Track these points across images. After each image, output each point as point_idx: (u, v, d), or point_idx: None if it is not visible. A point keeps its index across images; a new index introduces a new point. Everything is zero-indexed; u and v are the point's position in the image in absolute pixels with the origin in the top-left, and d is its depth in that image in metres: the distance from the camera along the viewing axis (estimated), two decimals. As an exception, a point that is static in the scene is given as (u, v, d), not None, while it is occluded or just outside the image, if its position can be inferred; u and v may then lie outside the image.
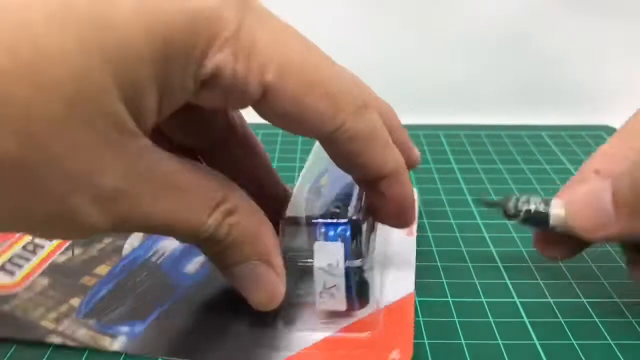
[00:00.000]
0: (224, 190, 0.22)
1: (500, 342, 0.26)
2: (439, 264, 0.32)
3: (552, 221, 0.27)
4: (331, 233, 0.25)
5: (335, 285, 0.25)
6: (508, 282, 0.30)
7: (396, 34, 0.52)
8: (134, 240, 0.33)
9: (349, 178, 0.26)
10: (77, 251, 0.32)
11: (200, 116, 0.25)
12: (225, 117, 0.26)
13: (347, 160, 0.24)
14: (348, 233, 0.25)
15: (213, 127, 0.26)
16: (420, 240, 0.34)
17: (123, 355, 0.25)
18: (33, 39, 0.17)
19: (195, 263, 0.31)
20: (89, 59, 0.17)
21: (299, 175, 0.30)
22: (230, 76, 0.20)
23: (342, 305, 0.26)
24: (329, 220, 0.25)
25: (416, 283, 0.30)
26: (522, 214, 0.27)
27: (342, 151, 0.23)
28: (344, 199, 0.27)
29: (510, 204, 0.28)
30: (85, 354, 0.25)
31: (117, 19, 0.18)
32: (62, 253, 0.32)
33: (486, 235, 0.34)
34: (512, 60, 0.52)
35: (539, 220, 0.27)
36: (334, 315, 0.26)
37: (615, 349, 0.26)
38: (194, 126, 0.26)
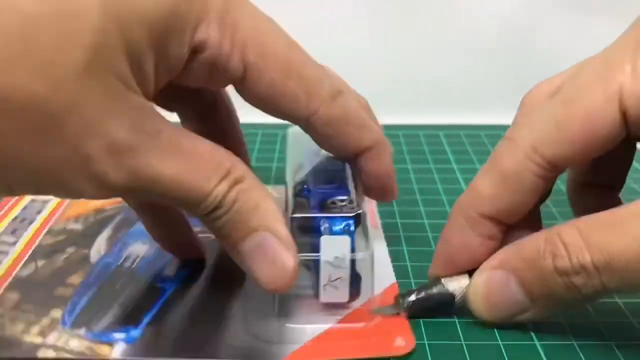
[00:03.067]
0: (231, 160, 0.23)
1: (500, 342, 0.26)
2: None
3: (458, 297, 0.27)
4: (337, 227, 0.26)
5: (339, 278, 0.26)
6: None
7: (395, 34, 0.52)
8: (100, 247, 0.33)
9: (330, 167, 0.27)
10: (40, 263, 0.31)
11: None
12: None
13: (325, 141, 0.26)
14: (352, 227, 0.26)
15: (203, 94, 0.28)
16: (421, 241, 0.34)
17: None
18: None
19: (172, 265, 0.31)
20: (105, 16, 0.19)
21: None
22: (217, 49, 0.22)
23: (345, 297, 0.26)
24: (335, 215, 0.26)
25: (413, 283, 0.30)
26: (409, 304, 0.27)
27: (320, 134, 0.26)
28: (336, 190, 0.27)
29: (402, 301, 0.27)
30: None
31: None
32: (24, 267, 0.31)
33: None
34: (513, 59, 0.52)
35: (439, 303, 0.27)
36: (330, 307, 0.27)
37: (616, 349, 0.26)
38: (184, 94, 0.28)
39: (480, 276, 0.26)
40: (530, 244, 0.25)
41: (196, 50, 0.22)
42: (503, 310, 0.26)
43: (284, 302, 0.27)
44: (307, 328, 0.26)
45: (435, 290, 0.27)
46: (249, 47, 0.23)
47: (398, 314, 0.27)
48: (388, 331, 0.26)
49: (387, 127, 0.49)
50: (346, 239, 0.25)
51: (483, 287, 0.26)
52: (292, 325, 0.26)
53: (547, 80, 0.28)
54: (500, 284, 0.26)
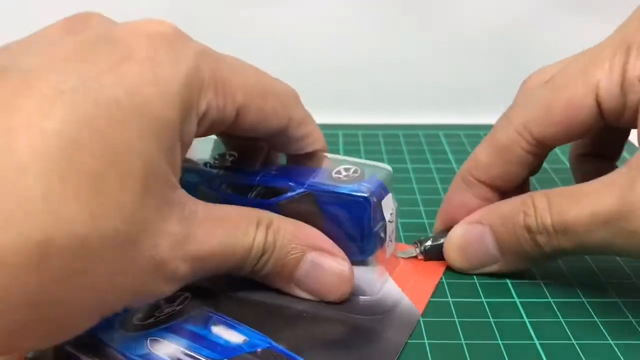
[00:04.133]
0: (256, 212, 0.26)
1: (500, 342, 0.26)
2: (444, 280, 0.31)
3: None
4: (379, 190, 0.28)
5: (392, 232, 0.29)
6: (508, 282, 0.30)
7: (396, 35, 0.52)
8: None
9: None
10: None
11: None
12: None
13: (298, 143, 0.29)
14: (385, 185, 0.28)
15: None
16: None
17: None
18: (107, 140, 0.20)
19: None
20: (147, 139, 0.21)
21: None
22: (215, 110, 0.25)
23: (395, 249, 0.30)
24: (376, 182, 0.28)
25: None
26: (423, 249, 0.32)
27: (295, 136, 0.29)
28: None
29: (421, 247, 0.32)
30: None
31: (154, 103, 0.22)
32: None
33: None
34: (513, 59, 0.52)
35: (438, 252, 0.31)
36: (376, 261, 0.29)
37: (616, 349, 0.26)
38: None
39: (459, 228, 0.30)
40: (507, 203, 0.29)
41: (200, 119, 0.24)
42: (475, 261, 0.30)
43: None
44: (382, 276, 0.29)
45: (442, 240, 0.31)
46: (237, 94, 0.25)
47: (416, 257, 0.32)
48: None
49: (388, 127, 0.49)
50: (391, 196, 0.28)
51: (460, 238, 0.30)
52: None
53: (544, 69, 0.31)
54: (476, 236, 0.29)
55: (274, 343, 0.25)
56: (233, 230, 0.25)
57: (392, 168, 0.29)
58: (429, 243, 0.31)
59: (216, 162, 0.30)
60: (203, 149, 0.31)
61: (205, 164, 0.30)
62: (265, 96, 0.26)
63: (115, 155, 0.20)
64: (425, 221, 0.36)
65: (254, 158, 0.31)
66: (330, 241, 0.27)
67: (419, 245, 0.32)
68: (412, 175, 0.42)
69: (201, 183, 0.28)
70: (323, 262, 0.27)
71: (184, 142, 0.24)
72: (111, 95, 0.21)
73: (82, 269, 0.19)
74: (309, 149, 0.30)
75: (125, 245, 0.21)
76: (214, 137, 0.30)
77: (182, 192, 0.24)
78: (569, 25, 0.51)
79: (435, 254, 0.31)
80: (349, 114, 0.51)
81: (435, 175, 0.42)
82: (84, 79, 0.20)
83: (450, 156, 0.45)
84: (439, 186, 0.40)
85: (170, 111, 0.22)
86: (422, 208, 0.37)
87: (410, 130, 0.49)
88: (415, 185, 0.40)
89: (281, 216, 0.27)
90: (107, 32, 0.23)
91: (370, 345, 0.25)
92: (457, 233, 0.30)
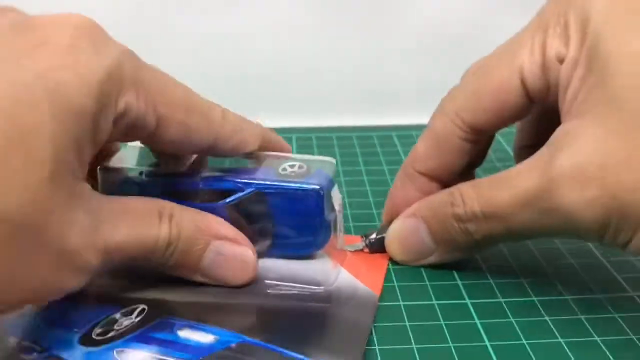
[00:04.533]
0: (157, 203, 0.27)
1: (451, 345, 0.26)
2: (390, 267, 0.31)
3: None
4: (327, 183, 0.28)
5: (341, 222, 0.30)
6: (460, 283, 0.30)
7: (348, 37, 0.52)
8: None
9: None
10: None
11: None
12: None
13: (230, 152, 0.29)
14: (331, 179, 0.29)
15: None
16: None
17: None
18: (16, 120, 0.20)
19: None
20: (57, 125, 0.21)
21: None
22: (135, 112, 0.24)
23: (344, 242, 0.31)
24: (323, 175, 0.28)
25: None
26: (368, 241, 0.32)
27: (225, 148, 0.28)
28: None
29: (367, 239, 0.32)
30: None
31: (70, 88, 0.21)
32: None
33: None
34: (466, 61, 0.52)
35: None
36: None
37: (566, 347, 0.26)
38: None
39: (396, 222, 0.31)
40: (437, 196, 0.30)
41: (117, 118, 0.24)
42: (413, 253, 0.31)
43: None
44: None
45: (384, 234, 0.32)
46: (158, 103, 0.25)
47: (362, 249, 0.32)
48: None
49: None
50: (336, 187, 0.29)
51: (398, 231, 0.31)
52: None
53: (479, 60, 0.31)
54: (411, 229, 0.30)
55: (246, 337, 0.25)
56: (139, 222, 0.25)
57: (346, 170, 0.30)
58: (373, 236, 0.32)
59: (151, 170, 0.30)
60: (131, 157, 0.30)
61: (140, 172, 0.29)
62: (189, 112, 0.26)
63: (22, 135, 0.20)
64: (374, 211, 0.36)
65: (182, 160, 0.30)
66: (234, 228, 0.28)
67: (364, 238, 0.32)
68: (365, 177, 0.41)
69: (139, 193, 0.27)
70: (226, 250, 0.28)
71: (97, 137, 0.23)
72: (20, 78, 0.21)
73: None
74: (244, 152, 0.30)
75: (30, 232, 0.20)
76: (140, 145, 0.29)
77: (87, 185, 0.24)
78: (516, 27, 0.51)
79: (379, 247, 0.32)
80: (302, 117, 0.50)
81: (388, 177, 0.41)
82: None
83: (404, 157, 0.45)
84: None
85: (86, 99, 0.22)
86: (371, 199, 0.37)
87: (364, 132, 0.49)
88: (365, 177, 0.40)
89: (183, 206, 0.27)
90: (27, 20, 0.23)
91: (341, 330, 0.26)
92: (395, 227, 0.31)
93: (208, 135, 0.27)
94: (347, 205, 0.37)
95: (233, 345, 0.25)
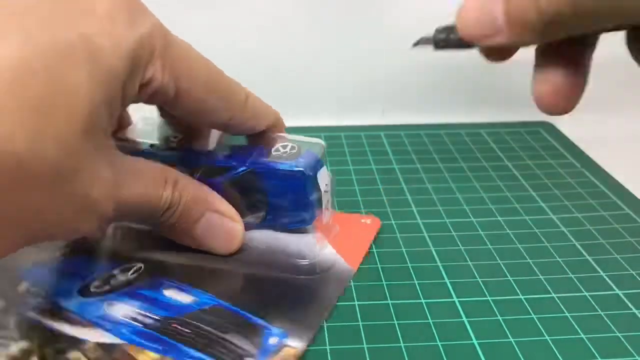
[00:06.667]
0: (165, 170, 0.29)
1: (439, 343, 0.26)
2: (379, 265, 0.31)
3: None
4: (315, 164, 0.30)
5: (328, 201, 0.32)
6: (448, 282, 0.30)
7: (327, 35, 0.52)
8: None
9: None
10: None
11: None
12: None
13: (243, 132, 0.32)
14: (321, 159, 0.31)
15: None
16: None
17: None
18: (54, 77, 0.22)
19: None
20: (94, 85, 0.23)
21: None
22: (159, 82, 0.26)
23: (330, 218, 0.32)
24: (311, 157, 0.30)
25: (356, 286, 0.30)
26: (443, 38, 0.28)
27: (235, 131, 0.31)
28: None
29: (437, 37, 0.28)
30: None
31: (107, 53, 0.23)
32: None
33: (425, 235, 0.34)
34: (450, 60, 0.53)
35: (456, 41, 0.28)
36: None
37: (552, 346, 0.26)
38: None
39: None
40: None
41: (143, 84, 0.26)
42: (481, 25, 0.27)
43: None
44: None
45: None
46: (182, 76, 0.27)
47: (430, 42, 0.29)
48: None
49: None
50: (325, 168, 0.31)
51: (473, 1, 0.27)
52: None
53: None
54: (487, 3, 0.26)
55: (221, 301, 0.28)
56: (149, 182, 0.28)
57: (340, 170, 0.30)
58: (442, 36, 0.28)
59: (161, 143, 0.32)
60: (147, 131, 0.33)
61: (151, 145, 0.32)
62: (209, 91, 0.28)
63: (65, 90, 0.22)
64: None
65: (199, 139, 0.32)
66: (228, 204, 0.31)
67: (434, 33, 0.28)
68: (353, 178, 0.41)
69: None
70: (218, 222, 0.30)
71: (124, 100, 0.25)
72: (68, 37, 0.23)
73: (16, 189, 0.21)
74: (257, 131, 0.32)
75: (62, 179, 0.22)
76: (158, 119, 0.32)
77: (112, 143, 0.26)
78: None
79: (447, 35, 0.28)
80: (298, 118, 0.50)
81: (377, 177, 0.41)
82: (45, 20, 0.22)
83: (392, 157, 0.45)
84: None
85: (119, 63, 0.24)
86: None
87: (353, 132, 0.49)
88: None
89: (187, 176, 0.30)
90: None
91: (311, 301, 0.29)
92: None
93: (224, 115, 0.29)
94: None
95: (207, 307, 0.28)
